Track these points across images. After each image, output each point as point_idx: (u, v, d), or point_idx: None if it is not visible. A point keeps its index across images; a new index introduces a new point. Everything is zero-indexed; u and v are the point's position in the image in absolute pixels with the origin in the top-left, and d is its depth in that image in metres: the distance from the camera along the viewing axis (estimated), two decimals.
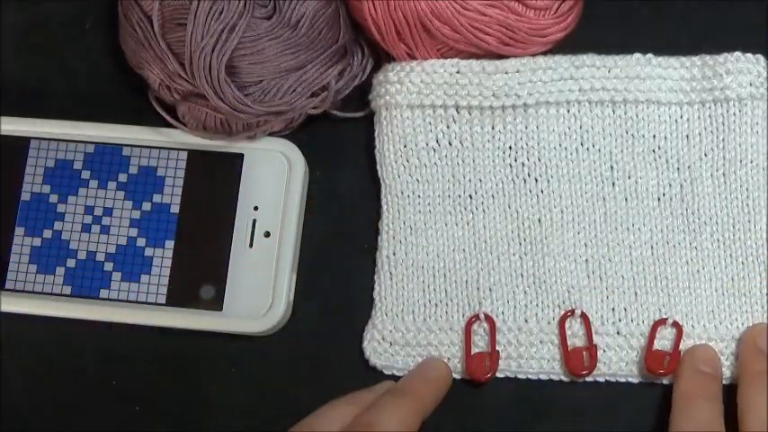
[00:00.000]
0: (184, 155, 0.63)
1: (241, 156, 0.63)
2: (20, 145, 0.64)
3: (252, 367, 0.62)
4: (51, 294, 0.62)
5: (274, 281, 0.61)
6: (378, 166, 0.63)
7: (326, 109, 0.63)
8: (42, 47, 0.68)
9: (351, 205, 0.64)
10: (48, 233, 0.63)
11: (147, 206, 0.63)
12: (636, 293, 0.60)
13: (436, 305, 0.61)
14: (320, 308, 0.62)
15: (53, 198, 0.63)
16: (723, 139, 0.61)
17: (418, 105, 0.62)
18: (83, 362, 0.63)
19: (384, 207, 0.63)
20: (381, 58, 0.64)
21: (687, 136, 0.61)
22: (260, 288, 0.61)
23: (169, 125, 0.63)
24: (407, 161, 0.63)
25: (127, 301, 0.62)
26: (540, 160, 0.62)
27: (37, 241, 0.63)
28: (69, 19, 0.68)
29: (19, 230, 0.63)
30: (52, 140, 0.64)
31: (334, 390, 0.61)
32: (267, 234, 0.62)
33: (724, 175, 0.61)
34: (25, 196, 0.63)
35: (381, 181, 0.63)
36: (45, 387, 0.63)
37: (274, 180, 0.62)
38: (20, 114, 0.65)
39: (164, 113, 0.63)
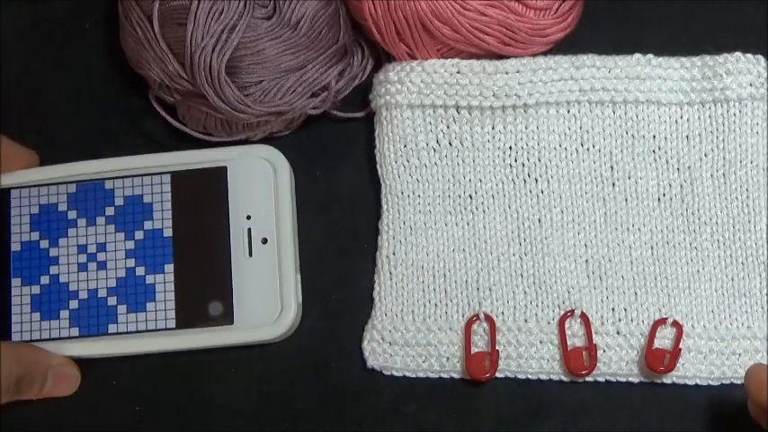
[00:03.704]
0: (167, 177, 0.63)
1: (224, 168, 0.62)
2: (0, 197, 0.63)
3: (252, 367, 0.62)
4: (60, 339, 0.61)
5: (280, 285, 0.61)
6: (378, 166, 0.63)
7: (326, 109, 0.63)
8: (42, 47, 0.68)
9: (351, 205, 0.64)
10: (45, 279, 0.62)
11: (139, 235, 0.62)
12: (636, 293, 0.60)
13: (436, 305, 0.61)
14: (320, 308, 0.62)
15: (44, 243, 0.62)
16: (723, 140, 0.61)
17: (418, 105, 0.62)
18: (83, 362, 0.62)
19: (384, 207, 0.63)
20: (381, 58, 0.64)
21: (687, 136, 0.61)
22: (267, 295, 0.60)
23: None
24: (407, 161, 0.63)
25: (137, 331, 0.61)
26: (540, 160, 0.62)
27: (35, 289, 0.62)
28: (69, 19, 0.68)
29: (15, 281, 0.62)
30: (32, 187, 0.63)
31: (335, 390, 0.61)
32: (264, 240, 0.61)
33: (724, 175, 0.61)
34: (15, 246, 0.62)
35: (381, 181, 0.63)
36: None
37: (261, 186, 0.62)
38: (20, 115, 0.65)
39: (164, 113, 0.63)
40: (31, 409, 0.62)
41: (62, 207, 0.63)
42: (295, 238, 0.62)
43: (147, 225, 0.62)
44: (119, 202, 0.63)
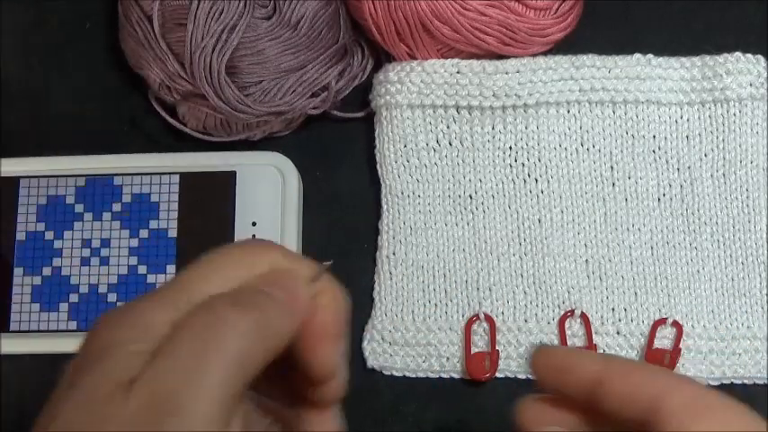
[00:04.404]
0: (176, 178, 0.63)
1: (233, 173, 0.62)
2: (9, 186, 0.63)
3: None
4: (57, 332, 0.61)
5: None
6: (378, 166, 0.63)
7: (326, 109, 0.63)
8: (42, 47, 0.68)
9: (351, 205, 0.64)
10: (47, 271, 0.62)
11: (144, 233, 0.62)
12: (636, 293, 0.60)
13: (436, 305, 0.61)
14: None
15: (49, 235, 0.62)
16: (723, 140, 0.61)
17: (418, 105, 0.62)
18: None
19: (384, 207, 0.63)
20: (381, 58, 0.64)
21: (687, 136, 0.61)
22: None
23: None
24: (407, 161, 0.63)
25: None
26: (540, 160, 0.62)
27: (37, 280, 0.62)
28: (69, 19, 0.68)
29: (18, 271, 0.62)
30: (42, 177, 0.63)
31: None
32: None
33: (724, 175, 0.61)
34: (20, 236, 0.62)
35: (381, 181, 0.63)
36: (45, 386, 0.63)
37: (269, 194, 0.62)
38: (20, 115, 0.65)
39: (164, 113, 0.63)
40: (30, 409, 0.62)
41: (69, 200, 0.63)
42: (299, 248, 0.62)
43: (153, 224, 0.62)
44: (126, 198, 0.63)
